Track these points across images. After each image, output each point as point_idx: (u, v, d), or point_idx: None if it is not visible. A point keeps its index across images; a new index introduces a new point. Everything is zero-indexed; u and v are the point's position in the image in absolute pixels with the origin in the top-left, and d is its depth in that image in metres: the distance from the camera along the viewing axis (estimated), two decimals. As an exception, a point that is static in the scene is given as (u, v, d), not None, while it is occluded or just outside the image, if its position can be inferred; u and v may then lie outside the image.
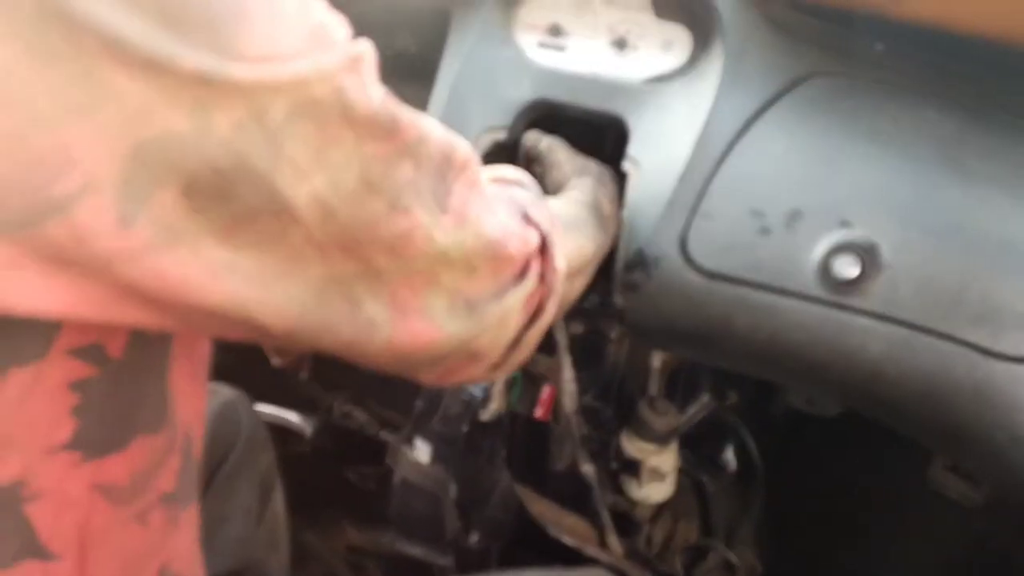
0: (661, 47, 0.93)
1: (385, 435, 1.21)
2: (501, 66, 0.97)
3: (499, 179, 0.68)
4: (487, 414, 0.93)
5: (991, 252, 0.77)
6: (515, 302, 0.57)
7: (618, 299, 0.89)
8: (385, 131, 0.44)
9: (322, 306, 0.46)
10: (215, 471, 0.93)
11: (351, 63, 0.42)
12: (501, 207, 0.57)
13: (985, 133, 0.82)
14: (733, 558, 1.20)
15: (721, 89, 0.88)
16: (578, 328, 1.03)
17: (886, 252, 0.79)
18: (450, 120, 0.98)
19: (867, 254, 0.79)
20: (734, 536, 1.24)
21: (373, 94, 0.43)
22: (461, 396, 0.93)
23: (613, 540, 1.00)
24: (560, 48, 0.96)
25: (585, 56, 0.95)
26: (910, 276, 0.78)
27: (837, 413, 1.01)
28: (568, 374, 0.97)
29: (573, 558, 0.98)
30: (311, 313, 0.45)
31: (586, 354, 1.04)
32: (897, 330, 0.78)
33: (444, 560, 1.04)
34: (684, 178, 0.86)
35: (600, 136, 1.03)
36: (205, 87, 0.36)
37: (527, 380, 1.06)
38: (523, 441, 1.06)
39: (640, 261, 0.86)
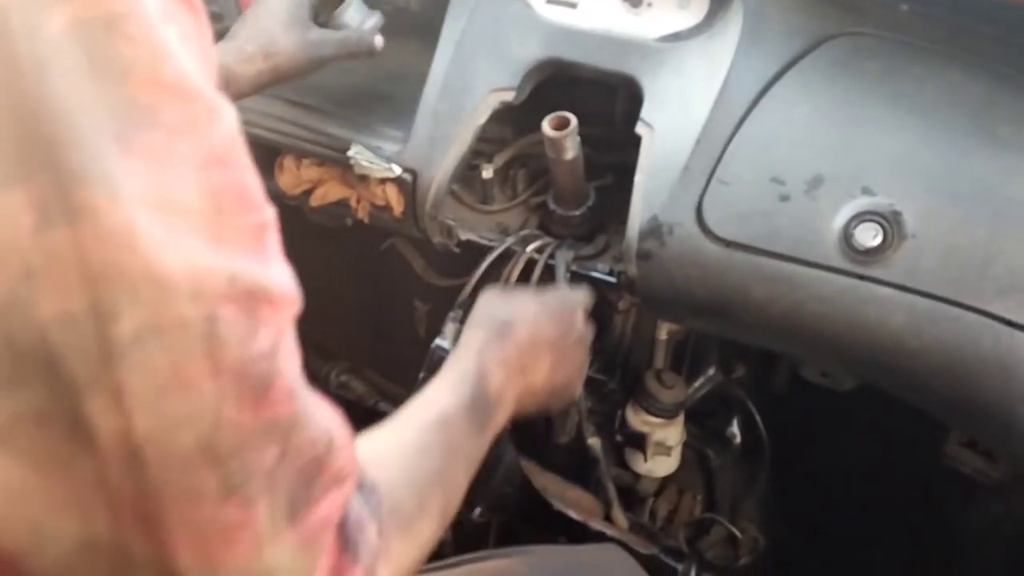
0: (677, 4, 0.89)
1: (385, 406, 1.19)
2: (508, 23, 0.93)
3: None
4: (492, 385, 0.90)
5: (1019, 221, 0.74)
6: None
7: (630, 268, 0.86)
8: (255, 395, 0.35)
9: (77, 560, 0.35)
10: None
11: (242, 291, 0.35)
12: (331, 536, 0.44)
13: (1014, 98, 0.79)
14: (737, 532, 1.18)
15: (740, 48, 0.85)
16: (585, 298, 1.00)
17: (910, 220, 0.76)
18: (454, 81, 0.94)
19: (890, 223, 0.76)
20: (738, 510, 1.22)
21: (261, 338, 0.35)
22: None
23: (618, 514, 0.98)
24: (571, 4, 0.92)
25: (597, 13, 0.91)
26: (935, 245, 0.75)
27: (851, 387, 0.99)
28: (575, 345, 0.94)
29: (577, 532, 0.96)
30: (62, 554, 0.34)
31: (592, 325, 1.01)
32: (920, 301, 0.75)
33: (442, 534, 1.01)
34: (700, 142, 0.83)
35: (611, 98, 0.99)
36: (44, 236, 0.30)
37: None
38: (527, 416, 1.03)
39: (654, 229, 0.83)
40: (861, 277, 0.77)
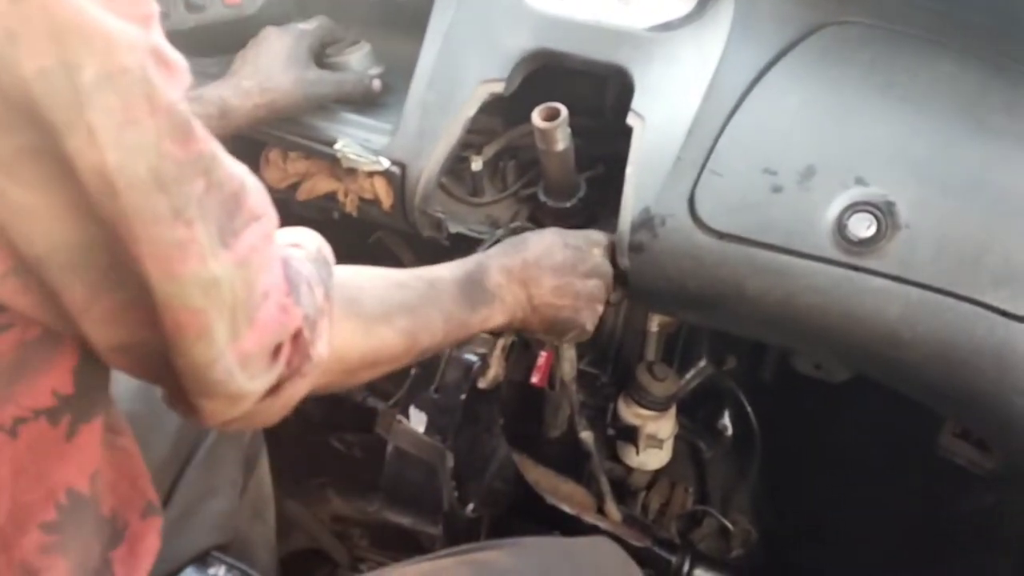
0: (668, -6, 0.88)
1: (373, 402, 1.18)
2: (497, 13, 0.92)
3: (291, 244, 0.61)
4: (485, 381, 0.89)
5: (1013, 211, 0.74)
6: (253, 387, 0.52)
7: (622, 261, 0.85)
8: (182, 133, 0.43)
9: (83, 259, 0.44)
10: (196, 444, 0.88)
11: (155, 49, 0.42)
12: (277, 273, 0.53)
13: (1006, 87, 0.79)
14: (729, 524, 1.18)
15: (731, 38, 0.84)
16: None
17: (904, 211, 0.76)
18: (443, 72, 0.93)
19: (884, 213, 0.76)
20: (730, 502, 1.22)
21: (175, 87, 0.43)
22: (459, 363, 0.89)
23: (611, 507, 0.98)
24: (561, -6, 0.91)
25: (587, 2, 0.90)
26: (929, 236, 0.75)
27: (844, 379, 0.98)
28: (567, 340, 0.93)
29: (571, 525, 0.95)
30: (70, 254, 0.43)
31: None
32: (915, 292, 0.75)
33: (433, 529, 1.01)
34: (692, 133, 0.82)
35: (601, 88, 0.98)
36: (19, 6, 0.36)
37: (523, 346, 1.02)
38: (517, 408, 1.03)
39: (646, 221, 0.82)
40: (855, 268, 0.76)
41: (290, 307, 0.53)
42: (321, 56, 0.97)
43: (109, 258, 0.44)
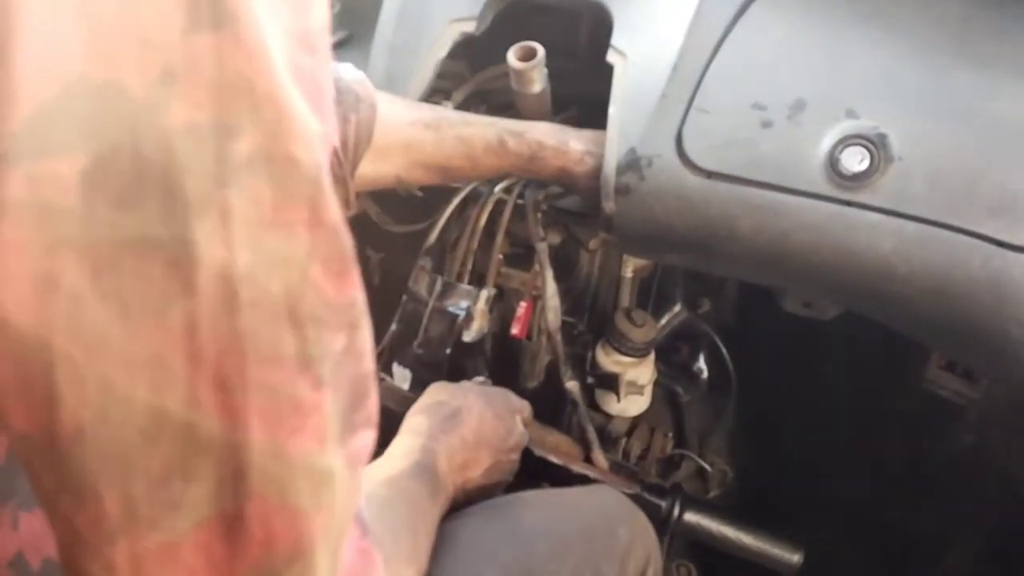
0: (646, -77, 0.85)
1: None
2: (466, -52, 0.87)
3: None
4: (470, 334, 0.87)
5: (1006, 139, 0.73)
6: None
7: (608, 205, 0.82)
8: (340, 266, 0.34)
9: (140, 446, 0.31)
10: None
11: (332, 161, 0.34)
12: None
13: (995, 13, 0.78)
14: (706, 466, 1.18)
15: (714, -31, 0.81)
16: (555, 239, 0.96)
17: (896, 143, 0.74)
18: (410, 12, 0.88)
19: (876, 146, 0.74)
20: (707, 444, 1.22)
21: (339, 211, 0.34)
22: (443, 316, 0.86)
23: (599, 456, 0.96)
24: (533, -74, 0.87)
25: (561, -65, 0.86)
26: (922, 167, 0.74)
27: (832, 316, 0.98)
28: (551, 289, 0.91)
29: (559, 476, 0.93)
30: (137, 419, 0.31)
31: (558, 267, 0.98)
32: (909, 225, 0.74)
33: None
34: (677, 69, 0.80)
35: (574, 27, 0.95)
36: (191, 41, 0.29)
37: (501, 297, 1.00)
38: (494, 361, 1.00)
39: (632, 162, 0.80)
40: (848, 203, 0.75)
41: (368, 551, 0.41)
42: None
43: (175, 446, 0.32)
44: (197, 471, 0.32)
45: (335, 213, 0.33)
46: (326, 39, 0.35)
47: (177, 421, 0.31)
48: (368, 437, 0.38)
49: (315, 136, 0.32)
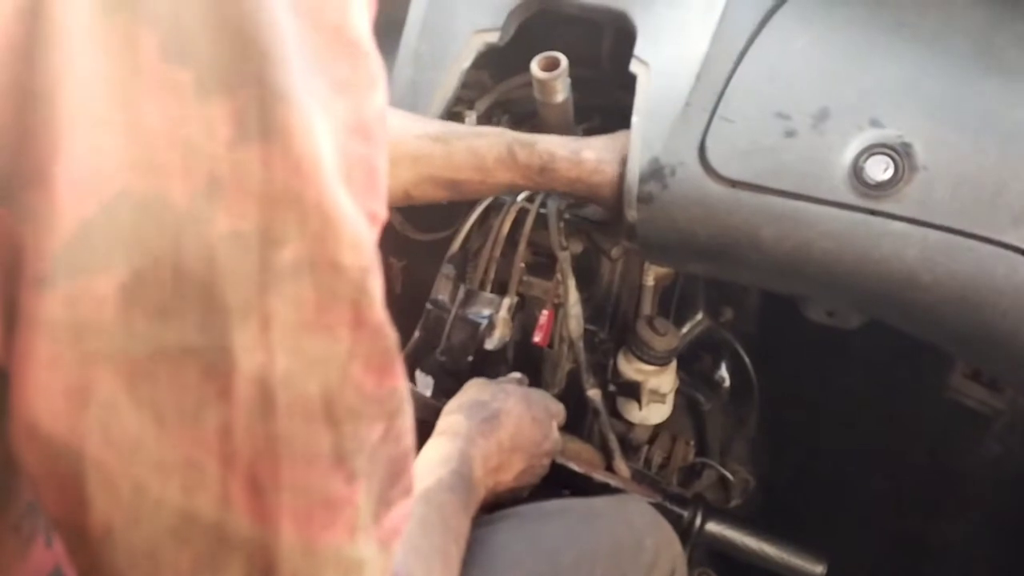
0: (669, -66, 0.85)
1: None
2: (491, -41, 0.88)
3: None
4: (492, 342, 0.87)
5: (1032, 148, 0.73)
6: None
7: (630, 213, 0.82)
8: (382, 361, 0.35)
9: (167, 541, 0.32)
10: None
11: (377, 262, 0.34)
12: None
13: (1017, 21, 0.77)
14: (728, 474, 1.18)
15: (737, -21, 0.81)
16: (577, 247, 0.97)
17: (920, 152, 0.74)
18: (435, 23, 0.89)
19: (900, 155, 0.74)
20: (728, 452, 1.22)
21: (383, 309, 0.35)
22: (466, 324, 0.87)
23: (621, 464, 0.97)
24: (556, -63, 0.88)
25: (585, -54, 0.87)
26: (946, 176, 0.73)
27: (856, 325, 0.98)
28: (574, 297, 0.91)
29: (580, 484, 0.94)
30: (168, 521, 0.32)
31: (580, 275, 0.98)
32: (933, 234, 0.73)
33: None
34: (700, 78, 0.80)
35: (596, 36, 0.95)
36: (239, 151, 0.29)
37: (523, 305, 1.00)
38: (516, 369, 1.01)
39: (655, 170, 0.80)
40: (872, 212, 0.75)
41: None
42: None
43: (205, 546, 0.32)
44: (227, 568, 0.33)
45: (379, 312, 0.34)
46: (383, 124, 0.36)
47: (208, 521, 0.32)
48: (405, 507, 0.39)
49: (363, 239, 0.33)
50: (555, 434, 0.84)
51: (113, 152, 0.28)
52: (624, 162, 0.81)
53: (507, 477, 0.77)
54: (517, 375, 0.91)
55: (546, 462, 0.84)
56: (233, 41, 0.29)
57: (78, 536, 0.32)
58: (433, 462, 0.70)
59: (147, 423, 0.30)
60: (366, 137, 0.34)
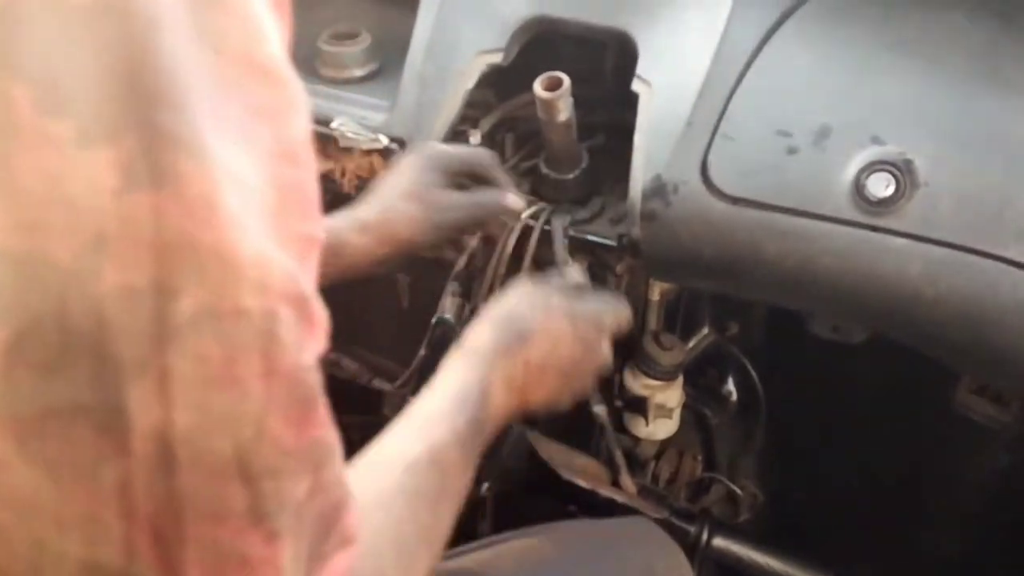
0: (669, -46, 0.86)
1: (379, 383, 1.15)
2: (493, -20, 0.89)
3: None
4: (498, 359, 0.88)
5: (1033, 164, 0.73)
6: None
7: (634, 231, 0.83)
8: (301, 412, 0.33)
9: None
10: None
11: (299, 296, 0.32)
12: None
13: (1018, 39, 0.78)
14: (737, 489, 1.18)
15: (737, -2, 0.82)
16: (582, 264, 0.97)
17: (922, 168, 0.74)
18: (439, 44, 0.90)
19: (902, 171, 0.75)
20: (737, 467, 1.22)
21: (308, 351, 0.33)
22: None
23: (627, 480, 0.97)
24: (558, -42, 0.89)
25: (586, -33, 0.88)
26: (948, 193, 0.74)
27: (861, 340, 0.98)
28: (579, 313, 0.91)
29: (586, 500, 0.94)
30: None
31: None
32: (936, 250, 0.74)
33: None
34: (702, 97, 0.80)
35: (599, 55, 0.96)
36: (124, 200, 0.28)
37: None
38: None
39: (658, 188, 0.81)
40: (875, 228, 0.75)
41: None
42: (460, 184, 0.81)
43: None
44: None
45: (293, 358, 0.32)
46: (309, 148, 0.35)
47: (113, 570, 0.31)
48: (345, 557, 0.37)
49: (269, 279, 0.31)
50: (604, 352, 0.73)
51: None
52: (389, 243, 0.76)
53: (535, 398, 0.67)
54: (577, 276, 0.79)
55: (589, 380, 0.72)
56: (118, 88, 0.28)
57: None
58: (449, 399, 0.59)
59: (41, 480, 0.29)
60: (293, 161, 0.34)
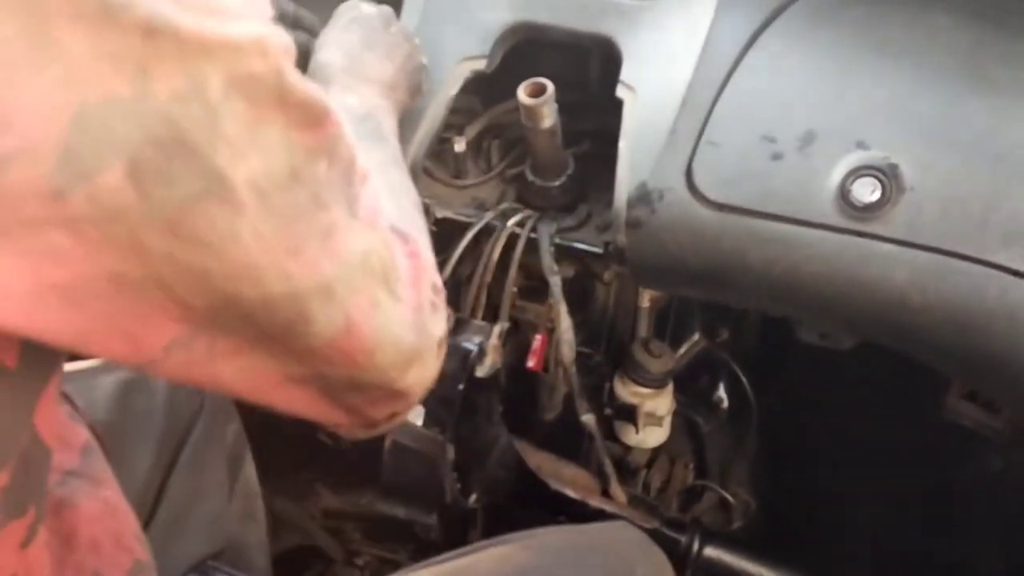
0: (652, -41, 0.85)
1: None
2: (475, -14, 0.88)
3: None
4: (483, 370, 0.87)
5: (1020, 166, 0.72)
6: (441, 328, 0.55)
7: (620, 238, 0.82)
8: (314, 120, 0.42)
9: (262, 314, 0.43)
10: (179, 447, 0.85)
11: (287, 48, 0.40)
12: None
13: (1005, 39, 0.77)
14: (729, 497, 1.17)
15: (721, 3, 0.81)
16: (569, 271, 0.96)
17: (907, 173, 0.74)
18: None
19: (888, 176, 0.74)
20: (729, 474, 1.21)
21: (308, 82, 0.42)
22: (456, 352, 0.86)
23: (617, 489, 0.96)
24: (541, -36, 0.88)
25: (569, -28, 0.87)
26: (934, 197, 0.73)
27: (850, 347, 0.97)
28: (566, 322, 0.91)
29: (576, 510, 0.93)
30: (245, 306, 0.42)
31: (574, 298, 0.98)
32: (922, 256, 0.73)
33: (428, 519, 0.98)
34: (686, 103, 0.80)
35: (584, 61, 0.95)
36: (151, 42, 0.34)
37: (514, 330, 1.00)
38: (510, 393, 1.00)
39: (643, 196, 0.80)
40: (860, 234, 0.74)
41: (415, 253, 0.53)
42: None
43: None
44: None
45: (301, 87, 0.40)
46: None
47: (285, 291, 0.43)
48: (370, 189, 0.48)
49: (258, 41, 0.38)
50: (367, 9, 0.82)
51: (56, 81, 0.33)
52: None
53: (375, 69, 0.77)
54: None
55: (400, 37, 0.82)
56: None
57: None
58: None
59: (213, 256, 0.39)
60: None
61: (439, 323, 0.55)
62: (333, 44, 0.78)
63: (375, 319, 0.48)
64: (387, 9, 0.83)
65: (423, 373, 0.54)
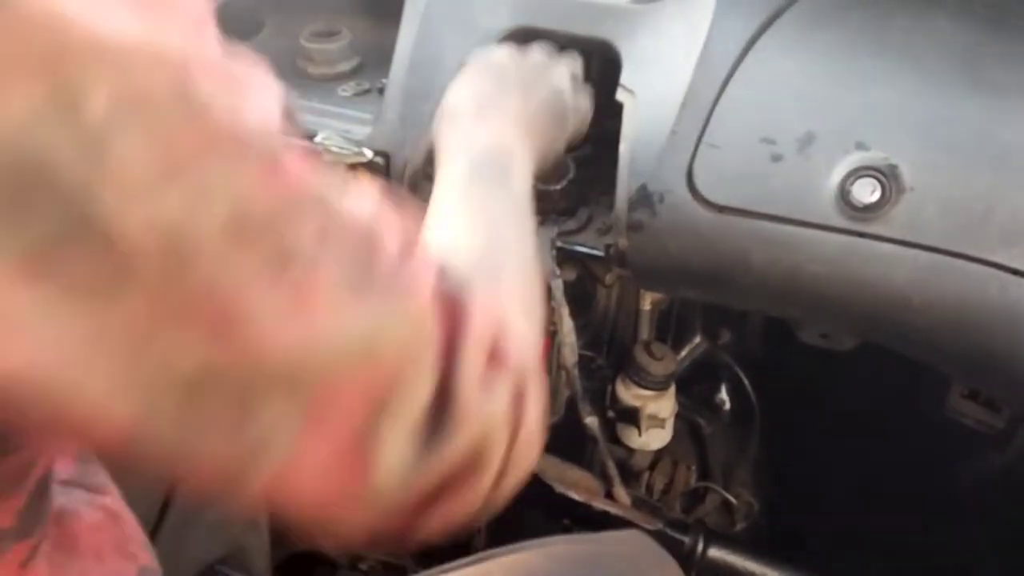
0: (651, -37, 0.86)
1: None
2: (475, -8, 0.89)
3: None
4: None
5: (1019, 166, 0.73)
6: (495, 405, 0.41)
7: (621, 241, 0.83)
8: (269, 157, 0.32)
9: (189, 408, 0.31)
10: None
11: (208, 59, 0.31)
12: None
13: (1004, 40, 0.78)
14: (731, 498, 1.17)
15: (719, 6, 0.82)
16: (570, 274, 0.97)
17: (907, 173, 0.74)
18: (422, 56, 0.90)
19: (887, 177, 0.74)
20: (731, 476, 1.21)
21: (249, 105, 0.32)
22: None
23: (620, 492, 0.96)
24: (539, -31, 0.88)
25: (567, -23, 0.87)
26: (934, 197, 0.73)
27: (850, 347, 0.98)
28: (568, 325, 0.91)
29: (580, 513, 0.93)
30: (166, 416, 0.31)
31: (576, 301, 0.98)
32: (923, 255, 0.73)
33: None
34: (686, 106, 0.80)
35: (584, 66, 0.95)
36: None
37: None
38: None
39: (644, 198, 0.80)
40: (861, 235, 0.74)
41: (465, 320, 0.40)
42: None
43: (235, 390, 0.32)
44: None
45: (230, 114, 0.31)
46: None
47: (226, 367, 0.32)
48: (424, 258, 0.38)
49: (164, 50, 0.29)
50: (534, 52, 0.78)
51: None
52: None
53: (512, 108, 0.70)
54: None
55: (553, 72, 0.77)
56: None
57: None
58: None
59: (85, 308, 0.29)
60: None
61: (500, 395, 0.41)
62: (465, 84, 0.74)
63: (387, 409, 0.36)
64: (534, 52, 0.78)
65: (502, 451, 0.41)
